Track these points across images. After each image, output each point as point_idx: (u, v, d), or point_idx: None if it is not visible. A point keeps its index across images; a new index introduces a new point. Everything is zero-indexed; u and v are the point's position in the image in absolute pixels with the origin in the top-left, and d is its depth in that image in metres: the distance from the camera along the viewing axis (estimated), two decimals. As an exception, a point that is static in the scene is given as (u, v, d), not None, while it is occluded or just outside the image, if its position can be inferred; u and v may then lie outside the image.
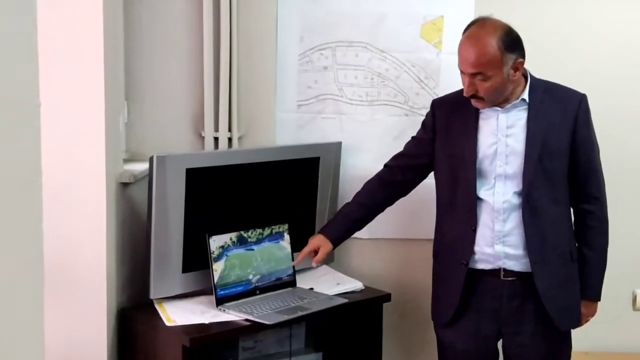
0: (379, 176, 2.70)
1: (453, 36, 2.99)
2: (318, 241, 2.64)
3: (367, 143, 3.08)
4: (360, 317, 2.86)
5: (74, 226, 2.36)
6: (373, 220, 3.04)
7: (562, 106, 2.43)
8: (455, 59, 2.99)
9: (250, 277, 2.65)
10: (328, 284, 2.85)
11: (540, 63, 2.97)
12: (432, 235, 3.02)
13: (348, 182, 3.07)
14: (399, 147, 2.97)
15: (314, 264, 2.64)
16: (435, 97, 3.02)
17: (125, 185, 2.58)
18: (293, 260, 2.77)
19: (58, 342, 2.37)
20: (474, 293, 2.48)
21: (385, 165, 2.71)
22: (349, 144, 3.06)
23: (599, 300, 2.57)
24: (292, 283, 2.77)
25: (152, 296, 2.55)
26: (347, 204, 2.74)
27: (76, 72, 2.32)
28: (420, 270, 3.10)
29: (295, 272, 2.79)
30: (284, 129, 3.05)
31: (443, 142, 2.52)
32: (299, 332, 2.89)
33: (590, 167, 2.46)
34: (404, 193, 2.71)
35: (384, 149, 3.04)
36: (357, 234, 3.07)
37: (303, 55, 3.03)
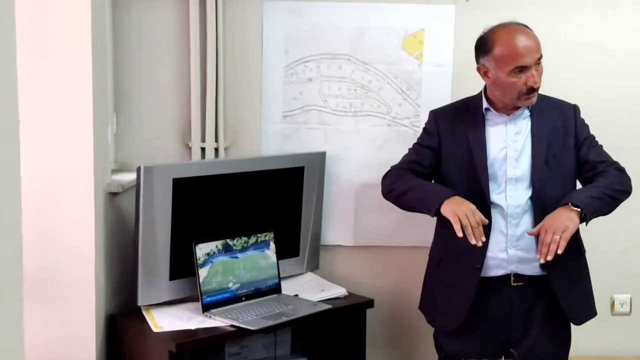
0: (405, 170, 2.59)
1: (434, 48, 3.10)
2: (467, 203, 2.35)
3: (351, 153, 3.14)
4: (344, 322, 2.92)
5: (63, 235, 2.42)
6: (357, 228, 3.14)
7: (559, 113, 2.51)
8: (436, 70, 3.11)
9: (230, 284, 2.70)
10: (312, 291, 2.91)
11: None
12: (415, 243, 3.11)
13: (332, 191, 3.14)
14: (382, 157, 3.04)
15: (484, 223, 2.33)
16: (417, 107, 3.11)
17: (113, 195, 2.63)
18: (279, 270, 2.82)
19: (48, 347, 2.43)
20: (483, 301, 2.47)
21: (398, 168, 2.63)
22: (333, 153, 3.13)
23: (580, 211, 2.29)
24: (277, 290, 2.83)
25: (139, 303, 2.60)
26: (412, 178, 2.55)
27: (65, 84, 2.37)
28: (403, 277, 3.18)
29: (280, 278, 2.85)
30: (269, 140, 3.11)
31: (450, 149, 2.54)
32: (284, 338, 2.94)
33: (600, 155, 2.50)
34: None
35: (368, 158, 3.13)
36: (341, 242, 3.16)
37: (288, 68, 3.10)
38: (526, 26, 2.44)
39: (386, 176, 2.65)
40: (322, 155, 3.10)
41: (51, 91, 2.37)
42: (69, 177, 2.40)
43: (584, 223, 2.34)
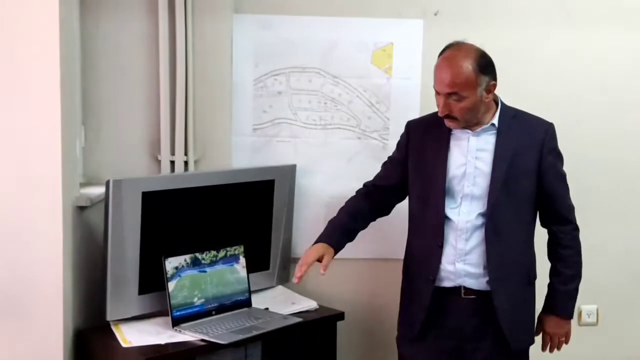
0: (360, 192, 2.75)
1: (403, 62, 3.13)
2: (321, 249, 2.57)
3: (321, 165, 3.16)
4: (315, 336, 2.92)
5: (31, 249, 2.39)
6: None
7: (529, 133, 2.52)
8: (405, 83, 3.14)
9: (195, 299, 2.68)
10: (283, 304, 2.91)
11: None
12: (386, 255, 3.14)
13: (303, 204, 3.15)
14: (352, 170, 3.07)
15: (322, 271, 2.52)
16: (387, 120, 3.13)
17: (82, 208, 2.61)
18: (249, 283, 2.82)
19: (15, 364, 2.40)
20: (438, 311, 2.53)
21: (364, 185, 2.76)
22: (304, 166, 3.14)
23: (572, 317, 2.63)
24: (247, 303, 2.82)
25: (108, 318, 2.58)
26: (335, 217, 2.71)
27: (32, 97, 2.35)
28: (374, 289, 3.20)
29: (250, 292, 2.84)
30: (239, 153, 3.11)
31: (416, 162, 2.59)
32: (255, 352, 2.92)
33: (557, 191, 2.54)
34: (384, 211, 2.75)
35: (338, 171, 3.15)
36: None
37: (258, 81, 3.11)
38: (483, 56, 2.44)
39: None
40: (292, 168, 3.10)
41: (19, 104, 2.35)
42: (37, 191, 2.38)
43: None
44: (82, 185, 2.82)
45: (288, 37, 3.10)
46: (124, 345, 2.47)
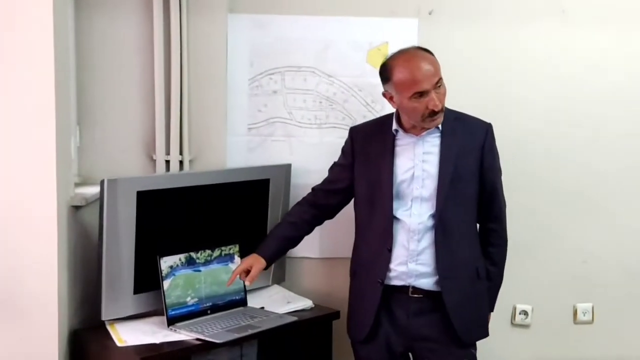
0: (305, 198, 2.86)
1: (398, 61, 3.12)
2: (251, 260, 2.70)
3: (316, 165, 3.13)
4: (311, 334, 2.92)
5: (25, 249, 2.39)
6: (322, 240, 3.14)
7: (471, 134, 2.59)
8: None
9: (188, 299, 2.69)
10: (279, 303, 2.92)
11: (478, 86, 3.11)
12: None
13: (298, 203, 3.15)
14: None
15: (247, 283, 2.69)
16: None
17: (76, 208, 2.61)
18: (243, 284, 2.83)
19: (9, 364, 2.40)
20: (386, 309, 2.59)
21: (312, 189, 2.86)
22: (299, 165, 3.14)
23: (492, 311, 2.77)
24: (243, 302, 2.82)
25: (103, 317, 2.58)
26: (278, 224, 2.87)
27: (27, 97, 2.35)
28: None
29: (246, 291, 2.84)
30: (234, 152, 3.11)
31: (362, 167, 2.66)
32: (250, 351, 2.91)
33: (494, 190, 2.63)
34: (329, 215, 2.85)
35: (333, 170, 3.14)
36: (307, 254, 3.16)
37: (253, 80, 3.11)
38: (427, 50, 2.52)
39: None
40: (287, 167, 3.10)
41: (13, 104, 2.34)
42: (32, 191, 2.38)
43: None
44: (77, 184, 2.82)
45: (283, 37, 3.10)
46: (119, 344, 2.47)
